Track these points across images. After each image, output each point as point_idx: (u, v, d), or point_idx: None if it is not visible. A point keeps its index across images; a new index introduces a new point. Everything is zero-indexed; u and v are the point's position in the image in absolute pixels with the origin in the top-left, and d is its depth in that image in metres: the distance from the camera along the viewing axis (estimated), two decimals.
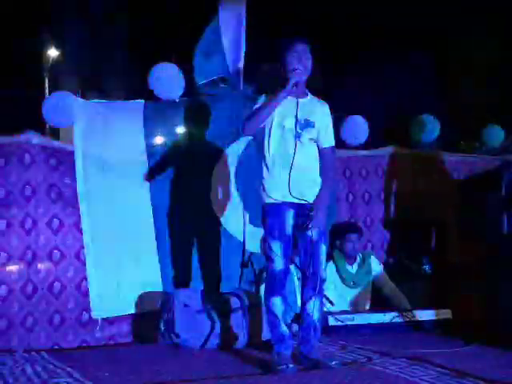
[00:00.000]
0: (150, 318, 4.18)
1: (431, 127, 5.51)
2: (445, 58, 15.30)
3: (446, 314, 4.52)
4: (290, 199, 3.40)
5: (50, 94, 18.12)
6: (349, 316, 4.36)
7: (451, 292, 4.84)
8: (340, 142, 5.13)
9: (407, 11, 14.23)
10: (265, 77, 4.68)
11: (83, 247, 4.23)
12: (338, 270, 4.79)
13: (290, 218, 3.43)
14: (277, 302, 3.42)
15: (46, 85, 18.85)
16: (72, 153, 4.30)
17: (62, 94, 4.50)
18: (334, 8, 14.84)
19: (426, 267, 5.09)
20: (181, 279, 4.44)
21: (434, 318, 4.49)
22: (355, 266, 4.85)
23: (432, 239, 5.44)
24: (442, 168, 5.55)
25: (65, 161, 4.29)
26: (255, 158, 3.56)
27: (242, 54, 4.74)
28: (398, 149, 5.46)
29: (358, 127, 5.22)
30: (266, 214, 3.47)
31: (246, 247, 4.63)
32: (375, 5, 14.53)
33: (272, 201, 3.44)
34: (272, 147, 3.44)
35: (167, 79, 4.53)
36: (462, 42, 14.68)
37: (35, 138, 4.22)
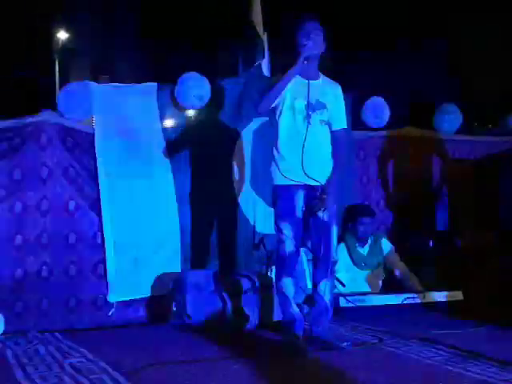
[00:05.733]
0: (163, 299, 4.18)
1: (454, 117, 5.43)
2: (458, 43, 15.20)
3: (458, 295, 4.50)
4: (300, 181, 3.39)
5: (60, 76, 18.22)
6: (360, 297, 4.35)
7: (464, 273, 4.82)
8: (360, 124, 5.09)
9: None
10: None
11: (99, 230, 4.20)
12: (349, 252, 4.78)
13: (300, 200, 3.42)
14: (287, 283, 3.42)
15: (56, 68, 18.88)
16: (89, 134, 4.25)
17: (77, 85, 4.37)
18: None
19: (437, 249, 5.07)
20: (198, 260, 4.46)
21: (445, 299, 4.47)
22: (367, 248, 4.84)
23: (446, 222, 5.42)
24: (457, 150, 5.50)
25: (82, 142, 4.23)
26: (270, 138, 3.55)
27: None
28: (412, 130, 5.41)
29: (380, 108, 5.16)
30: (277, 196, 3.47)
31: (257, 229, 4.64)
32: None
33: (282, 182, 3.43)
34: (283, 129, 3.43)
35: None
36: (475, 29, 14.57)
37: (53, 118, 4.13)
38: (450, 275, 4.81)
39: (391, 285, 4.81)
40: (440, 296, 4.48)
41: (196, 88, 4.43)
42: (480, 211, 5.29)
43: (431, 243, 5.10)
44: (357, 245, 4.81)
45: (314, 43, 3.37)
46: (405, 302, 4.38)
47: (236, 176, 4.63)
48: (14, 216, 3.98)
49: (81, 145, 4.24)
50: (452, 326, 3.79)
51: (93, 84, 4.36)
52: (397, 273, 4.84)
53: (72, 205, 4.15)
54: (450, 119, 5.38)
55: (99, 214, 4.22)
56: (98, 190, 4.23)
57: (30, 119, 4.10)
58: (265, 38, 4.94)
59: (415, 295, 4.44)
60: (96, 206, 4.21)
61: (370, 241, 4.86)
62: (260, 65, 4.84)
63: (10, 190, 3.98)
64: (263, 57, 4.87)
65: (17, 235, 3.98)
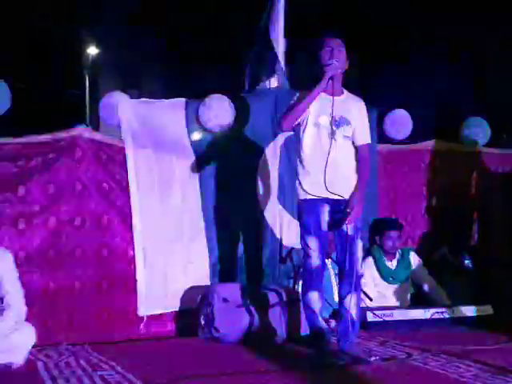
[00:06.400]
0: (192, 312, 4.20)
1: (481, 131, 5.39)
2: (483, 53, 15.04)
3: (487, 310, 4.45)
4: (325, 195, 3.41)
5: (90, 92, 18.50)
6: (388, 312, 4.33)
7: (494, 287, 4.77)
8: (383, 136, 5.08)
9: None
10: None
11: (130, 244, 4.22)
12: (377, 266, 4.77)
13: (325, 213, 3.45)
14: (314, 297, 3.45)
15: (87, 83, 19.16)
16: (121, 148, 4.29)
17: (116, 94, 4.45)
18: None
19: (467, 262, 5.03)
20: (226, 274, 4.49)
21: (474, 314, 4.43)
22: (394, 262, 4.82)
23: (475, 235, 5.37)
24: (485, 162, 5.46)
25: (115, 156, 4.26)
26: (295, 153, 3.58)
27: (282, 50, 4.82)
28: (439, 143, 5.38)
29: (402, 121, 5.14)
30: (302, 210, 3.50)
31: (284, 243, 4.66)
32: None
33: (307, 197, 3.46)
34: (307, 144, 3.46)
35: None
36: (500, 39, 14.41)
37: (87, 132, 4.15)
38: (479, 289, 4.77)
39: (420, 299, 4.78)
40: (469, 310, 4.44)
41: (217, 117, 4.45)
42: (510, 224, 5.23)
43: (461, 257, 5.06)
44: (384, 259, 4.80)
45: (338, 61, 3.41)
46: (433, 317, 4.35)
47: (261, 191, 4.66)
48: (47, 231, 4.01)
49: (113, 159, 4.26)
50: (481, 342, 3.75)
51: (123, 98, 4.40)
52: (425, 287, 4.82)
53: (105, 219, 4.17)
54: (477, 133, 5.34)
55: (131, 229, 4.24)
56: (130, 205, 4.26)
57: (63, 134, 4.11)
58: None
59: (444, 310, 4.41)
60: (128, 220, 4.23)
61: (397, 255, 4.84)
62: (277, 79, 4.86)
63: (45, 205, 4.01)
64: (274, 72, 4.84)
65: (50, 250, 4.00)
